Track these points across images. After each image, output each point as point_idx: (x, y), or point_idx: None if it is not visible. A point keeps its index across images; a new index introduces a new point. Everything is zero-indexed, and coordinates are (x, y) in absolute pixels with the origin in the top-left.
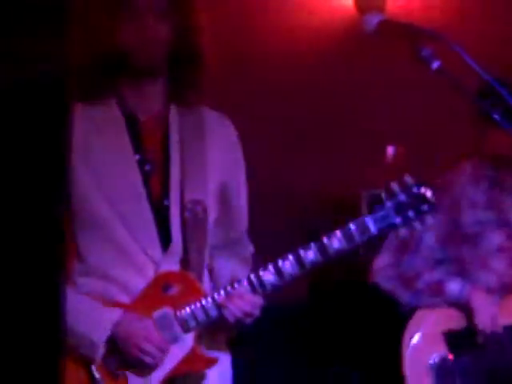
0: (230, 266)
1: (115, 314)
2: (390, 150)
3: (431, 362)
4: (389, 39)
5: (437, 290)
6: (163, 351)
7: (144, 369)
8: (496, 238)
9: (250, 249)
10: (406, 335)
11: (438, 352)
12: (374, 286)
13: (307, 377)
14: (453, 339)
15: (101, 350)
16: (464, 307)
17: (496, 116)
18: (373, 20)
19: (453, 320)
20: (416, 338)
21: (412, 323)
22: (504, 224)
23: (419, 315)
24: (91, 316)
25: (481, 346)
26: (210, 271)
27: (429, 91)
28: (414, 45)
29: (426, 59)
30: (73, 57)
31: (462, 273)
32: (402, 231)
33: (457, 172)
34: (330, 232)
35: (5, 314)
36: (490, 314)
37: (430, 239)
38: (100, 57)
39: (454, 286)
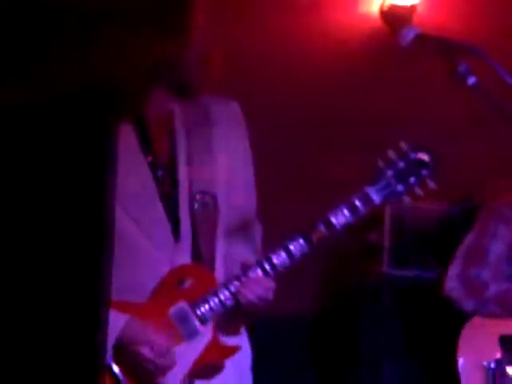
0: (239, 250)
1: (122, 319)
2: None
3: (486, 364)
4: (420, 53)
5: (504, 299)
6: (164, 356)
7: (149, 374)
8: None
9: (259, 228)
10: (463, 338)
11: (494, 355)
12: (445, 293)
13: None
14: (509, 343)
15: (109, 354)
16: None
17: None
18: (408, 34)
19: (509, 325)
20: (472, 342)
21: (468, 326)
22: None
23: (476, 320)
24: None
25: None
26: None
27: (461, 105)
28: (449, 60)
29: (461, 75)
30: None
31: None
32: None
33: None
34: (334, 208)
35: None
36: None
37: (498, 248)
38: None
39: None
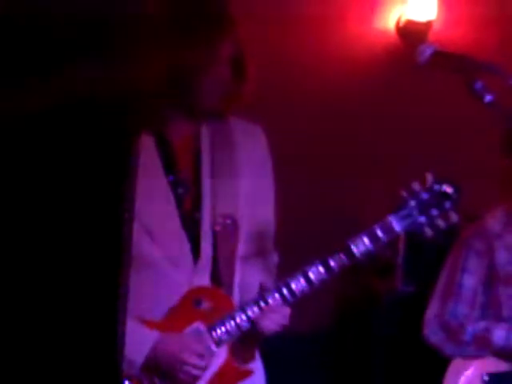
0: (256, 276)
1: (154, 334)
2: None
3: None
4: (436, 69)
5: (483, 340)
6: (204, 358)
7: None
8: None
9: (275, 257)
10: (448, 380)
11: None
12: (424, 338)
13: None
14: (493, 382)
15: (138, 369)
16: (510, 354)
17: None
18: (426, 51)
19: (493, 364)
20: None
21: (452, 368)
22: None
23: (459, 361)
24: (130, 335)
25: None
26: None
27: (477, 124)
28: (466, 77)
29: (478, 92)
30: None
31: (499, 315)
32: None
33: (491, 216)
34: (355, 236)
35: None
36: None
37: (471, 282)
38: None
39: (499, 333)
